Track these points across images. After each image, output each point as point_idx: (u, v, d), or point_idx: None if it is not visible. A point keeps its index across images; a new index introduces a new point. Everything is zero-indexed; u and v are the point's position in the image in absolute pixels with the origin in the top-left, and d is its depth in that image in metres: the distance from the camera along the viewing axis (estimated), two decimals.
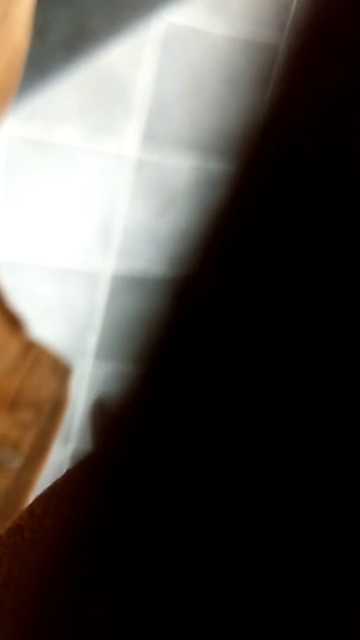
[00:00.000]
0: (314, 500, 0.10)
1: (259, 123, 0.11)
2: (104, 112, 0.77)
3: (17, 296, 0.87)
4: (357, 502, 0.10)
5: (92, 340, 0.94)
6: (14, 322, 0.71)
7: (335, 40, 0.10)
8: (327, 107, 0.10)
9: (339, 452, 0.10)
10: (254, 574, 0.11)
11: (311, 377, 0.10)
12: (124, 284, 0.90)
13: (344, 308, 0.10)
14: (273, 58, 0.77)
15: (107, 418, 0.13)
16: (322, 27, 0.10)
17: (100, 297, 0.91)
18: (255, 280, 0.10)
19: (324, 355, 0.10)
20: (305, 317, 0.10)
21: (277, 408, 0.10)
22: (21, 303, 0.88)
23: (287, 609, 0.11)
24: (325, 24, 0.10)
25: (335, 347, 0.10)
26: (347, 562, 0.10)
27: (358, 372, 0.10)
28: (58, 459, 0.98)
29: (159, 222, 0.86)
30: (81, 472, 0.16)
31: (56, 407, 0.67)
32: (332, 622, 0.11)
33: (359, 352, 0.10)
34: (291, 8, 0.74)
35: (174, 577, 0.11)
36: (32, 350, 0.69)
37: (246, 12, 0.74)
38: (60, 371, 0.70)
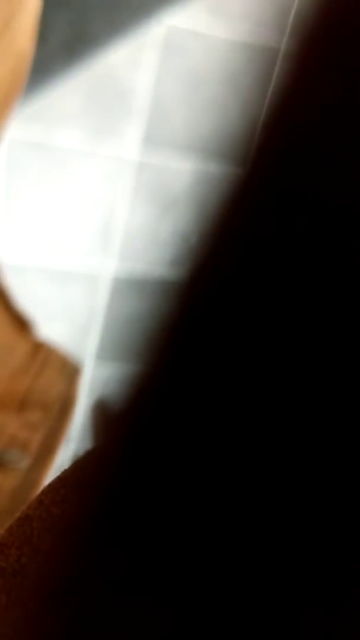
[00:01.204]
0: (314, 500, 0.10)
1: (259, 125, 0.11)
2: (105, 115, 0.78)
3: (18, 298, 0.87)
4: (357, 504, 0.10)
5: (93, 342, 0.94)
6: (22, 323, 0.71)
7: (335, 43, 0.10)
8: (328, 109, 0.10)
9: (339, 452, 0.10)
10: (254, 567, 0.11)
11: (311, 377, 0.10)
12: (124, 286, 0.90)
13: (345, 311, 0.10)
14: (273, 61, 0.78)
15: (107, 419, 0.13)
16: (322, 30, 0.10)
17: (101, 299, 0.91)
18: (256, 282, 0.10)
19: (324, 354, 0.10)
20: (305, 319, 0.10)
21: (278, 409, 0.10)
22: (23, 305, 0.88)
23: (285, 608, 0.11)
24: (326, 27, 0.10)
25: (335, 348, 0.10)
26: (345, 572, 0.10)
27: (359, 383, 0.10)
28: (59, 460, 0.98)
29: (160, 225, 0.86)
30: (89, 461, 0.16)
31: (64, 407, 0.67)
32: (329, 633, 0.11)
33: (358, 363, 0.10)
34: (291, 11, 0.74)
35: (179, 565, 0.11)
36: (40, 351, 0.69)
37: (246, 14, 0.74)
38: (69, 371, 0.70)
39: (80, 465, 0.18)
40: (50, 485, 0.19)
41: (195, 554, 0.11)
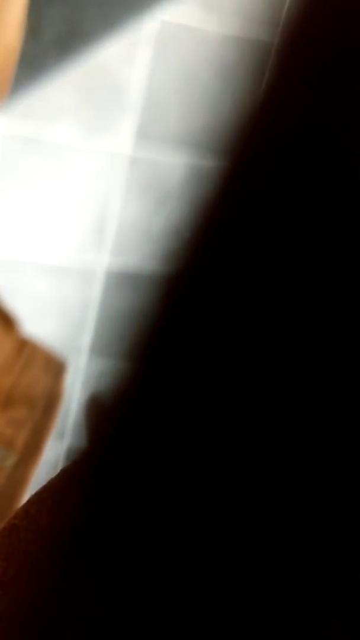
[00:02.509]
0: (314, 500, 0.10)
1: (252, 120, 0.11)
2: (98, 110, 0.77)
3: (12, 293, 0.87)
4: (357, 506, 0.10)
5: (86, 337, 0.94)
6: (7, 320, 0.71)
7: (328, 37, 0.10)
8: (321, 104, 0.10)
9: (339, 453, 0.10)
10: (252, 572, 0.11)
11: (305, 371, 0.10)
12: (118, 280, 0.90)
13: (340, 305, 0.10)
14: (266, 55, 0.77)
15: (101, 414, 0.13)
16: (315, 24, 0.10)
17: (95, 293, 0.90)
18: (249, 276, 0.10)
19: (317, 346, 0.10)
20: (300, 313, 0.10)
21: (273, 405, 0.10)
22: (16, 300, 0.88)
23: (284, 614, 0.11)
24: (319, 21, 0.10)
25: (330, 343, 0.10)
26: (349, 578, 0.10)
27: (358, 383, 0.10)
28: (53, 455, 0.98)
29: (153, 219, 0.86)
30: (76, 470, 0.16)
31: (50, 404, 0.67)
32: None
33: (358, 364, 0.10)
34: (284, 5, 0.74)
35: (171, 575, 0.11)
36: (25, 348, 0.69)
37: (239, 9, 0.74)
38: (54, 368, 0.70)
39: (66, 475, 0.18)
40: (37, 494, 0.19)
41: (188, 564, 0.11)
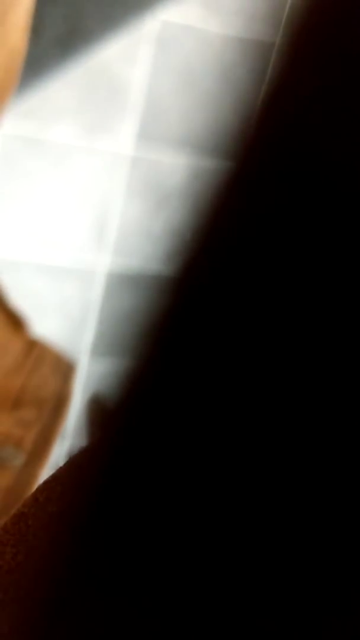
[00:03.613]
0: (314, 501, 0.10)
1: (254, 120, 0.11)
2: (99, 111, 0.77)
3: (13, 294, 0.87)
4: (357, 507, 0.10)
5: (87, 338, 0.94)
6: (16, 321, 0.71)
7: (330, 38, 0.10)
8: (322, 104, 0.10)
9: (340, 452, 0.10)
10: (253, 569, 0.11)
11: (307, 372, 0.10)
12: (119, 281, 0.90)
13: (342, 305, 0.10)
14: (268, 55, 0.77)
15: (102, 415, 0.13)
16: (317, 24, 0.10)
17: (96, 294, 0.90)
18: (250, 277, 0.10)
19: (320, 349, 0.10)
20: (301, 313, 0.10)
21: (274, 405, 0.10)
22: (17, 301, 0.88)
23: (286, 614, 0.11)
24: (321, 21, 0.10)
25: (331, 343, 0.10)
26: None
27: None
28: (54, 456, 0.98)
29: (154, 220, 0.86)
30: (84, 459, 0.16)
31: (58, 404, 0.67)
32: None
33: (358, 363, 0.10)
34: (286, 5, 0.74)
35: (175, 565, 0.11)
36: (34, 349, 0.69)
37: (241, 9, 0.74)
38: (63, 369, 0.70)
39: (75, 463, 0.18)
40: (45, 483, 0.19)
41: (191, 555, 0.11)
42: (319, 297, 0.10)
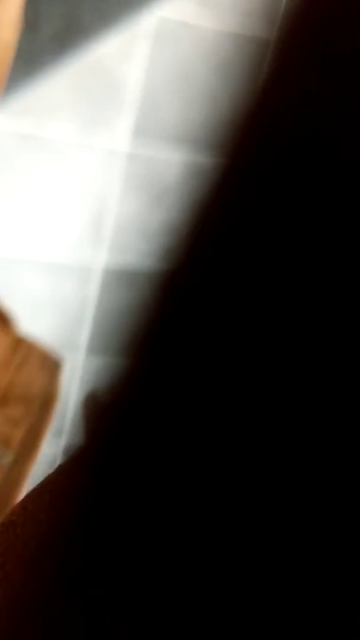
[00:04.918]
0: (313, 500, 0.10)
1: (249, 116, 0.11)
2: (95, 107, 0.77)
3: (8, 291, 0.87)
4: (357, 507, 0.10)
5: (83, 334, 0.94)
6: (3, 318, 0.70)
7: (326, 33, 0.10)
8: (318, 100, 0.10)
9: (338, 454, 0.10)
10: (250, 569, 0.11)
11: (304, 370, 0.10)
12: (115, 277, 0.90)
13: (340, 304, 0.10)
14: (263, 51, 0.77)
15: (99, 411, 0.13)
16: (313, 20, 0.10)
17: (92, 291, 0.90)
18: (246, 273, 0.10)
19: (316, 348, 0.10)
20: (297, 310, 0.10)
21: (271, 401, 0.10)
22: (13, 298, 0.88)
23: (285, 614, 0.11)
24: (316, 17, 0.10)
25: (329, 341, 0.10)
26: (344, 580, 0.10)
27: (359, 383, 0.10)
28: (51, 453, 0.98)
29: (150, 216, 0.86)
30: (73, 466, 0.16)
31: (46, 402, 0.67)
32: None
33: (358, 363, 0.10)
34: (282, 1, 0.74)
35: (169, 571, 0.11)
36: (21, 346, 0.69)
37: (237, 5, 0.74)
38: (50, 366, 0.70)
39: (64, 470, 0.18)
40: (34, 490, 0.19)
41: (181, 560, 0.11)
42: (316, 292, 0.10)
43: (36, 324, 0.91)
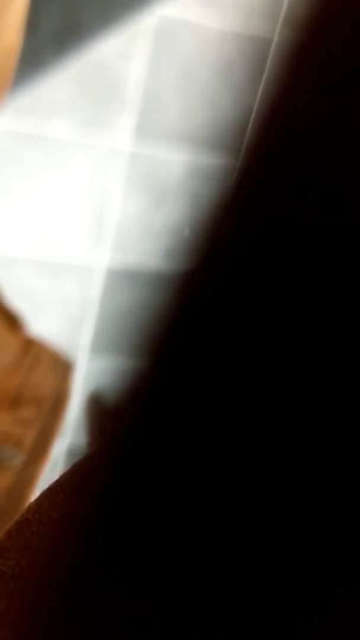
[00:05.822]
0: (314, 500, 0.10)
1: (253, 116, 0.11)
2: (97, 106, 0.77)
3: (11, 291, 0.87)
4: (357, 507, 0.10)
5: (86, 334, 0.94)
6: (13, 320, 0.70)
7: (329, 33, 0.10)
8: (322, 100, 0.10)
9: (339, 455, 0.10)
10: (254, 568, 0.11)
11: (310, 371, 0.10)
12: (118, 277, 0.90)
13: (344, 305, 0.10)
14: (266, 51, 0.77)
15: (102, 412, 0.13)
16: (316, 20, 0.10)
17: (95, 291, 0.90)
18: (251, 274, 0.10)
19: (322, 346, 0.10)
20: (303, 309, 0.10)
21: (277, 406, 0.10)
22: (15, 298, 0.88)
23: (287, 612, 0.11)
24: (319, 16, 0.10)
25: (333, 343, 0.10)
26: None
27: None
28: (53, 454, 0.98)
29: (153, 216, 0.86)
30: (89, 465, 0.16)
31: (57, 403, 0.67)
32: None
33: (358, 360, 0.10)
34: (285, 1, 0.74)
35: (181, 568, 0.11)
36: (32, 347, 0.69)
37: (239, 4, 0.74)
38: (61, 367, 0.70)
39: (79, 469, 0.18)
40: (49, 489, 0.19)
41: (195, 559, 0.11)
42: (320, 297, 0.10)
43: (38, 324, 0.91)
